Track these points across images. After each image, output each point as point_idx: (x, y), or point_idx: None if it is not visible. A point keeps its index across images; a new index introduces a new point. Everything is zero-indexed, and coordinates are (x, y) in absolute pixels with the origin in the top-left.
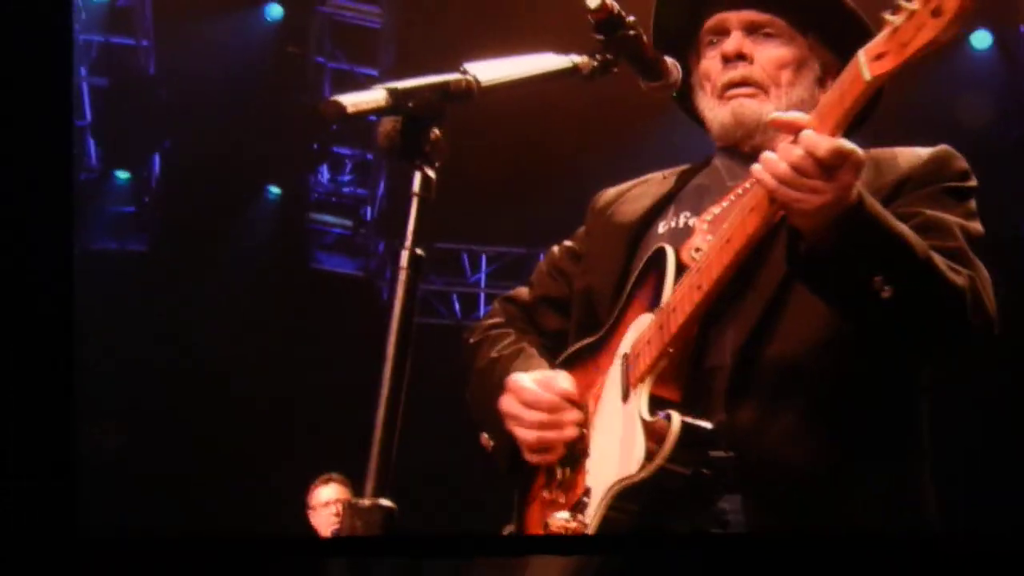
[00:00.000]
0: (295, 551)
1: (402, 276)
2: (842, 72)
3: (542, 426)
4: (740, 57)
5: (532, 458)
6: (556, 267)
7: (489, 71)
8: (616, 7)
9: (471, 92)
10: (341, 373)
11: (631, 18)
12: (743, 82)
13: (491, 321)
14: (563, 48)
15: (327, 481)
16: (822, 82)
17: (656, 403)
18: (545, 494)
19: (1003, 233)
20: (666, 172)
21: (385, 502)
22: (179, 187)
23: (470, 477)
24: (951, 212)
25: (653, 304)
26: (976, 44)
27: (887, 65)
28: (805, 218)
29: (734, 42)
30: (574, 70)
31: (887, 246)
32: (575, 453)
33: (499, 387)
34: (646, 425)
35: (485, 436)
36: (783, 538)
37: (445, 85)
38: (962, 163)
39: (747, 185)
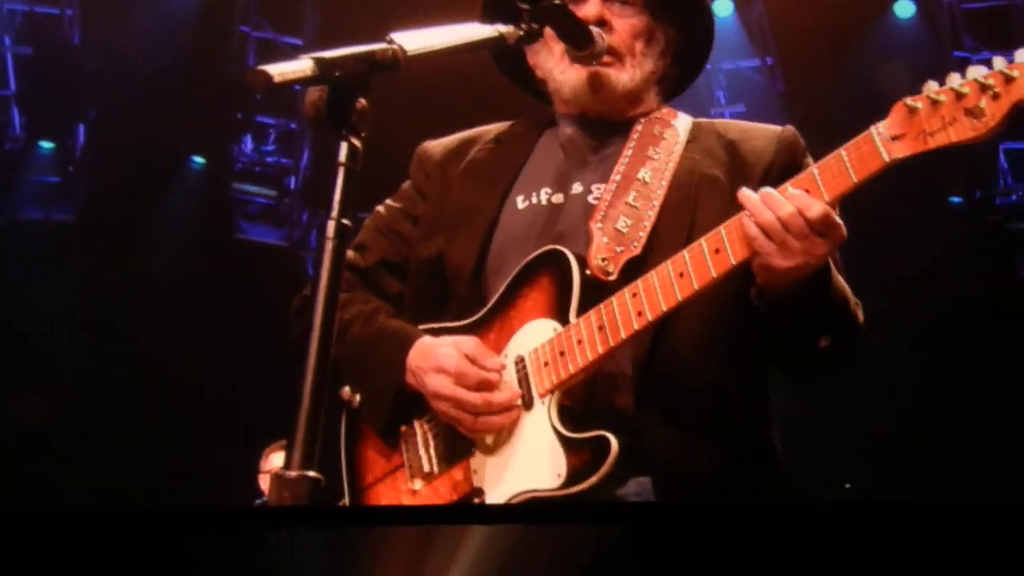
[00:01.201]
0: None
1: (328, 246)
2: (849, 144)
3: (486, 410)
4: (601, 22)
5: (472, 431)
6: (392, 229)
7: (415, 41)
8: None
9: (397, 62)
10: (265, 343)
11: None
12: (606, 47)
13: None
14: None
15: (281, 447)
16: (664, 55)
17: (563, 413)
18: (404, 482)
19: (932, 203)
20: (496, 129)
21: (312, 473)
22: (104, 157)
23: None
24: None
25: (556, 313)
26: (900, 13)
27: (907, 150)
28: (769, 271)
29: (595, 7)
30: (500, 39)
31: (835, 311)
32: (452, 446)
33: (376, 342)
34: (567, 441)
35: (347, 390)
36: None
37: (371, 55)
38: (803, 144)
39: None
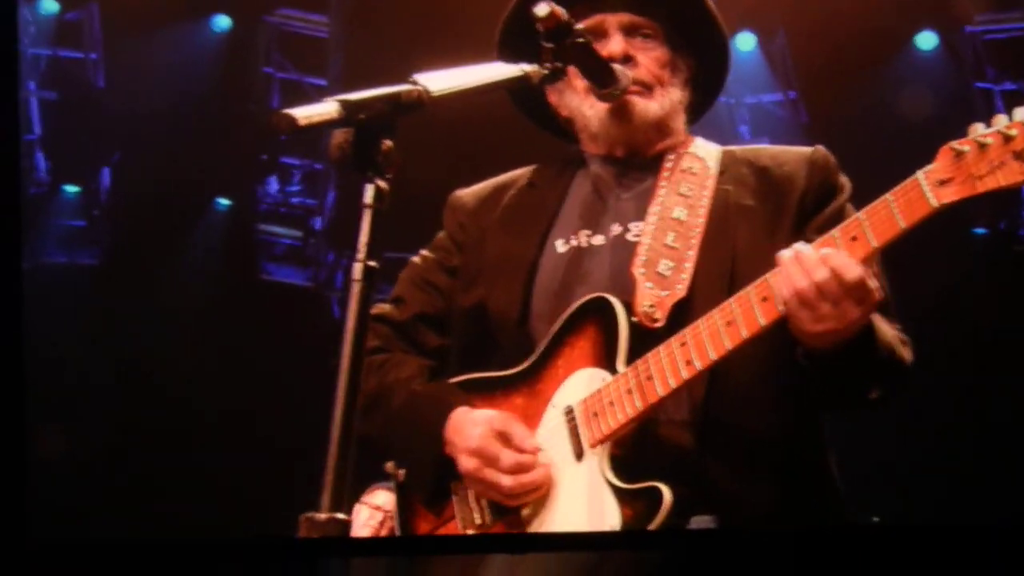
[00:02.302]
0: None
1: (355, 288)
2: (896, 189)
3: (519, 492)
4: (627, 59)
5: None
6: (427, 281)
7: (439, 81)
8: (564, 15)
9: (422, 102)
10: (291, 384)
11: (580, 25)
12: (631, 82)
13: (367, 346)
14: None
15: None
16: (688, 83)
17: (614, 463)
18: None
19: (956, 233)
20: (527, 173)
21: (341, 515)
22: (129, 200)
23: None
24: None
25: (604, 362)
26: (922, 44)
27: (956, 195)
28: (802, 335)
29: (620, 44)
30: (524, 78)
31: (882, 366)
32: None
33: (416, 417)
34: (619, 492)
35: (391, 465)
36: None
37: (396, 96)
38: (834, 163)
39: (696, 221)
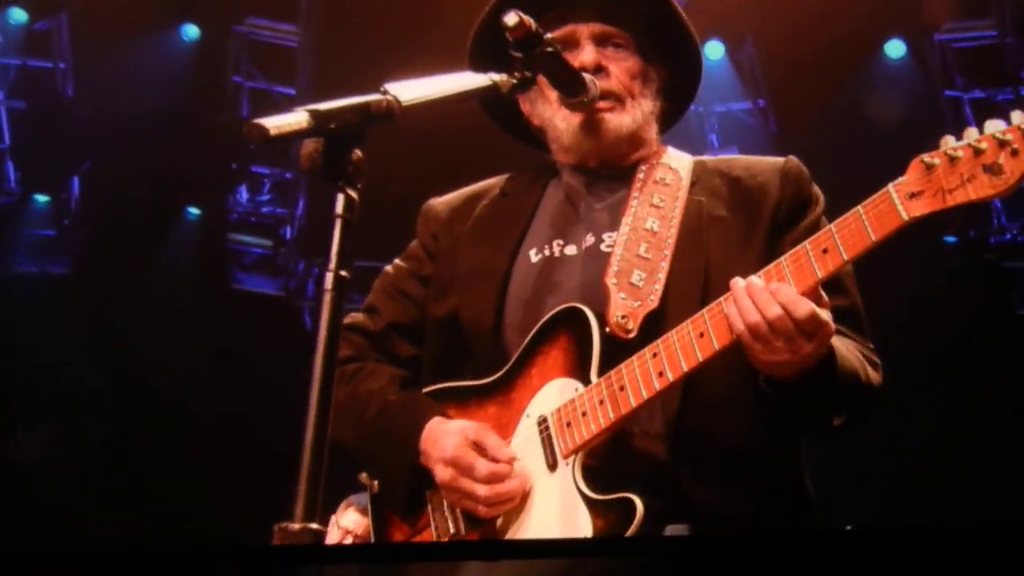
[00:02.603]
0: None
1: (327, 298)
2: (867, 202)
3: (495, 502)
4: (598, 69)
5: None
6: (400, 290)
7: (409, 91)
8: (534, 25)
9: (392, 112)
10: (263, 393)
11: (549, 35)
12: (603, 94)
13: (340, 355)
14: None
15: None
16: (659, 93)
17: (587, 473)
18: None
19: (926, 242)
20: (499, 183)
21: (314, 526)
22: (99, 209)
23: None
24: None
25: (577, 372)
26: (890, 53)
27: (926, 208)
28: (759, 364)
29: (591, 54)
30: (493, 88)
31: (845, 393)
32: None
33: (389, 428)
34: (592, 503)
35: (365, 476)
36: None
37: (366, 106)
38: (806, 174)
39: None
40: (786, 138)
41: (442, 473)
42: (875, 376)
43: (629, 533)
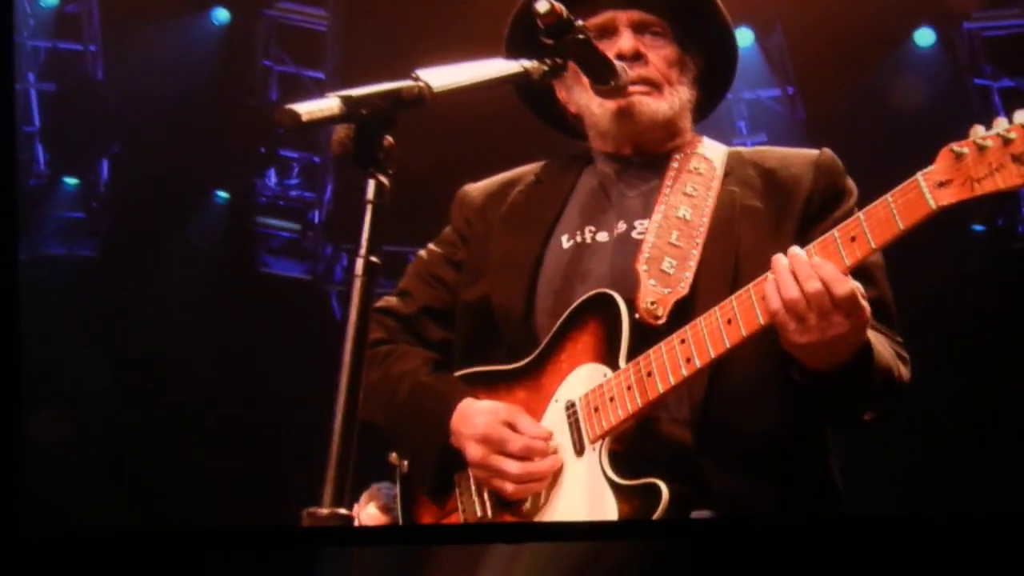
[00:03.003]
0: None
1: (357, 284)
2: (895, 191)
3: (527, 479)
4: (636, 56)
5: (511, 498)
6: (433, 275)
7: (440, 77)
8: (565, 11)
9: (423, 98)
10: (290, 376)
11: (580, 22)
12: (640, 80)
13: (372, 337)
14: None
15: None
16: (696, 82)
17: (614, 459)
18: None
19: (954, 230)
20: (534, 170)
21: (343, 511)
22: (127, 192)
23: None
24: None
25: (606, 357)
26: (920, 41)
27: (954, 197)
28: (790, 346)
29: (630, 41)
30: (524, 75)
31: (878, 388)
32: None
33: (420, 408)
34: (618, 488)
35: (395, 456)
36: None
37: (397, 92)
38: (840, 166)
39: (699, 221)
40: (815, 126)
41: (473, 451)
42: (905, 372)
43: (654, 519)
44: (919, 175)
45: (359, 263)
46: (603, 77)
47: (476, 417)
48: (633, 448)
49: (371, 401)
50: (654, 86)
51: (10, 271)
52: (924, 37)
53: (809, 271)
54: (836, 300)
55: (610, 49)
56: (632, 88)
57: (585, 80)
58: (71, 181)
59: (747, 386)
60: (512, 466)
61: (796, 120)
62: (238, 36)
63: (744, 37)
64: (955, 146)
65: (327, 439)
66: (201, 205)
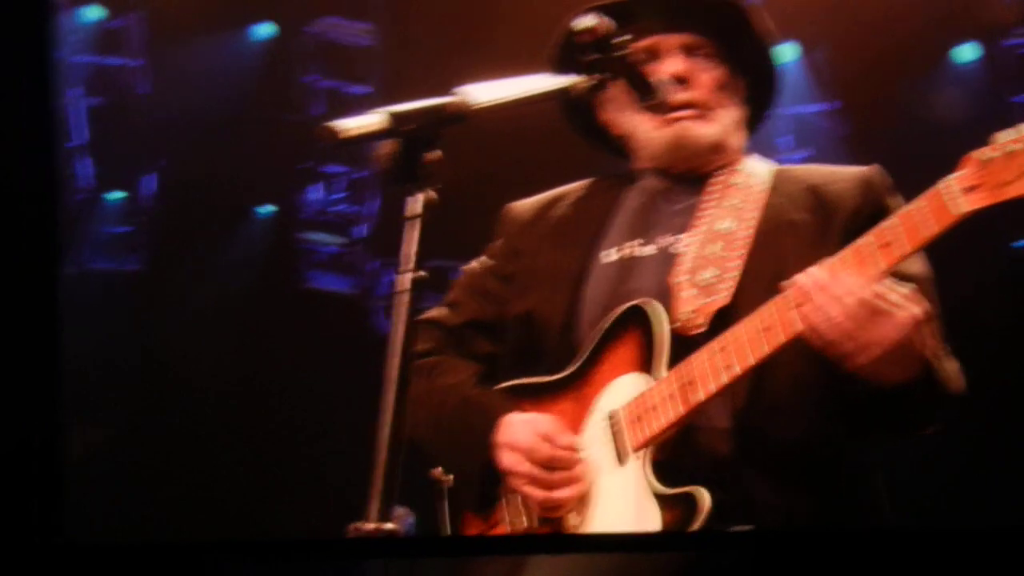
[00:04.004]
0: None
1: (402, 299)
2: (925, 194)
3: (555, 485)
4: (682, 80)
5: (543, 513)
6: (482, 288)
7: (484, 93)
8: (605, 27)
9: (465, 114)
10: (335, 391)
11: (625, 37)
12: (688, 104)
13: (418, 348)
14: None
15: None
16: (744, 102)
17: (657, 468)
18: None
19: (996, 247)
20: (580, 187)
21: (389, 525)
22: (174, 206)
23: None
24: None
25: (645, 367)
26: (962, 57)
27: (983, 201)
28: (858, 370)
29: (680, 64)
30: (566, 91)
31: (943, 405)
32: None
33: (465, 423)
34: (661, 497)
35: (439, 471)
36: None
37: (441, 108)
38: (889, 184)
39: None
40: (860, 141)
41: (505, 458)
42: (963, 383)
43: (695, 527)
44: (949, 179)
45: (404, 278)
46: (644, 94)
47: (513, 427)
48: (674, 457)
49: (417, 416)
50: (703, 109)
51: (51, 284)
52: (967, 53)
53: (834, 291)
54: (869, 305)
55: (658, 72)
56: (681, 113)
57: (630, 100)
58: (118, 195)
59: (789, 394)
60: (541, 473)
61: (841, 135)
62: (282, 51)
63: (790, 52)
64: (981, 152)
65: (373, 454)
66: (246, 219)
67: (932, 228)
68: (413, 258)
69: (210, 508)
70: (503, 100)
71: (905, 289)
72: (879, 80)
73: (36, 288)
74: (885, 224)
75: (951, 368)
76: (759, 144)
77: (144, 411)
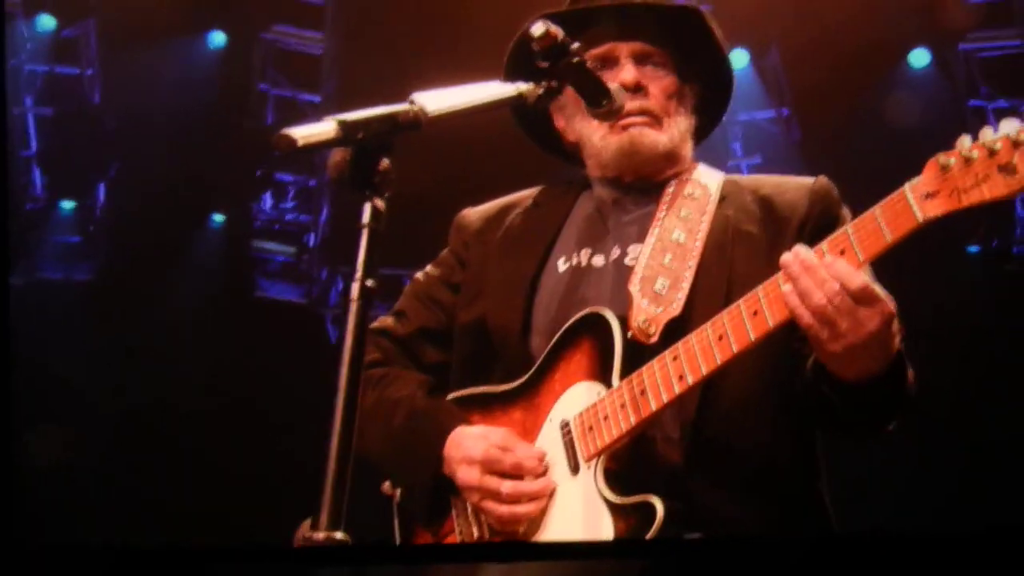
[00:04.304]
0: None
1: (353, 308)
2: (882, 203)
3: (517, 499)
4: (637, 88)
5: (502, 527)
6: (430, 297)
7: (436, 101)
8: (561, 35)
9: (419, 122)
10: (285, 400)
11: (575, 45)
12: (641, 112)
13: (367, 359)
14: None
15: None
16: (695, 110)
17: (609, 477)
18: None
19: (949, 251)
20: (531, 195)
21: (339, 535)
22: (124, 216)
23: None
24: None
25: (600, 376)
26: (914, 62)
27: (941, 208)
28: (827, 357)
29: (632, 72)
30: (520, 98)
31: (907, 401)
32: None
33: (414, 437)
34: (613, 506)
35: (387, 485)
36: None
37: (394, 116)
38: (836, 194)
39: (694, 242)
40: (810, 147)
41: (465, 473)
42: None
43: (649, 536)
44: (906, 186)
45: (355, 287)
46: (598, 100)
47: (468, 441)
48: (628, 466)
49: (366, 429)
50: (654, 118)
51: (1, 293)
52: (920, 58)
53: (824, 273)
54: (854, 294)
55: (611, 80)
56: (633, 119)
57: (583, 107)
58: (68, 205)
59: (738, 405)
60: (504, 485)
61: (791, 141)
62: (235, 59)
63: (739, 59)
64: (941, 157)
65: (323, 462)
66: (197, 229)
67: (890, 235)
68: (362, 267)
69: (163, 513)
70: (457, 108)
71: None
72: (830, 86)
73: None
74: (840, 232)
75: (910, 373)
76: (710, 150)
77: (98, 420)
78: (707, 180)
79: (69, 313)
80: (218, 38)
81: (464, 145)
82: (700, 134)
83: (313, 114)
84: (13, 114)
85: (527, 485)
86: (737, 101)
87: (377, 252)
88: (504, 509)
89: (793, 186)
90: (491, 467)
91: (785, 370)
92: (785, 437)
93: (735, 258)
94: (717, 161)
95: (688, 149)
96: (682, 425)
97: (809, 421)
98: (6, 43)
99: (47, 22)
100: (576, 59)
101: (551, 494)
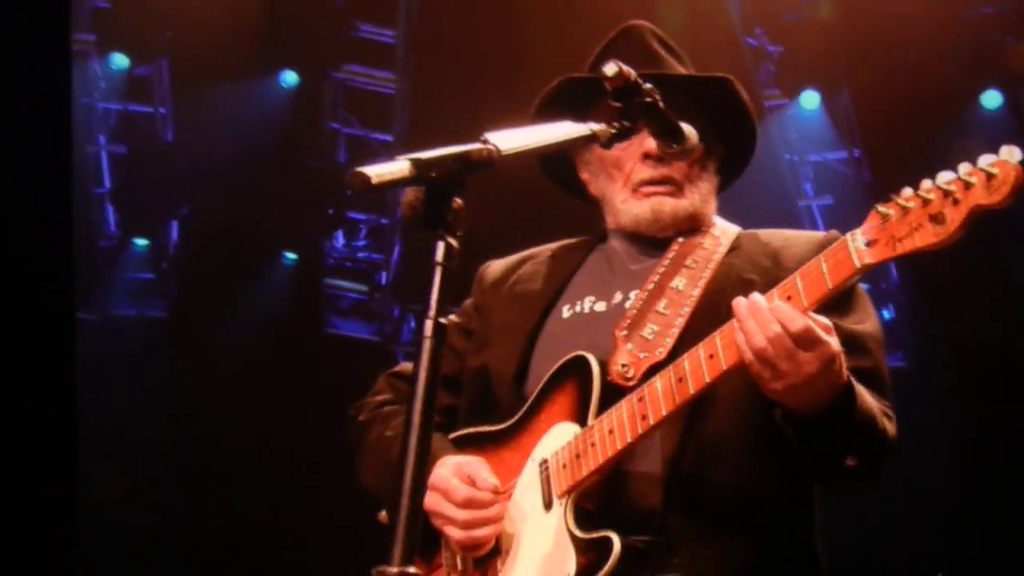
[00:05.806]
0: None
1: (426, 345)
2: (827, 251)
3: (472, 525)
4: (660, 158)
5: (463, 552)
6: (447, 343)
7: (509, 140)
8: (633, 74)
9: (492, 161)
10: None
11: (648, 85)
12: (663, 180)
13: (380, 398)
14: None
15: None
16: (717, 172)
17: (580, 514)
18: None
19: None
20: (553, 247)
21: (412, 570)
22: (196, 253)
23: None
24: (860, 317)
25: (578, 416)
26: (986, 103)
27: (877, 256)
28: (770, 394)
29: (652, 142)
30: (592, 137)
31: (860, 433)
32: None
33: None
34: (577, 541)
35: (384, 514)
36: None
37: (467, 155)
38: None
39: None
40: (880, 188)
41: (427, 499)
42: (891, 427)
43: (605, 570)
44: (848, 235)
45: (428, 324)
46: (673, 138)
47: (439, 470)
48: (602, 503)
49: (367, 463)
50: (676, 185)
51: (68, 331)
52: (992, 99)
53: (768, 316)
54: (795, 337)
55: (633, 148)
56: (655, 188)
57: (614, 173)
58: (141, 242)
59: (720, 440)
60: (458, 513)
61: (862, 182)
62: (306, 98)
63: (810, 100)
64: (881, 207)
65: (396, 498)
66: (269, 266)
67: (830, 282)
68: (435, 305)
69: (236, 553)
70: (530, 147)
71: (825, 321)
72: (900, 127)
73: (55, 333)
74: (789, 280)
75: (870, 404)
76: (782, 191)
77: (168, 457)
78: (720, 232)
79: (143, 349)
80: (290, 77)
81: (533, 185)
82: (724, 186)
83: (385, 153)
84: (87, 152)
85: (477, 513)
86: (808, 142)
87: (449, 290)
88: (458, 534)
89: (803, 239)
90: (446, 495)
91: (765, 407)
92: (768, 475)
93: (730, 305)
94: (788, 201)
95: (711, 208)
96: (662, 461)
97: (792, 461)
98: (72, 79)
99: (120, 61)
100: (649, 99)
101: (525, 528)
